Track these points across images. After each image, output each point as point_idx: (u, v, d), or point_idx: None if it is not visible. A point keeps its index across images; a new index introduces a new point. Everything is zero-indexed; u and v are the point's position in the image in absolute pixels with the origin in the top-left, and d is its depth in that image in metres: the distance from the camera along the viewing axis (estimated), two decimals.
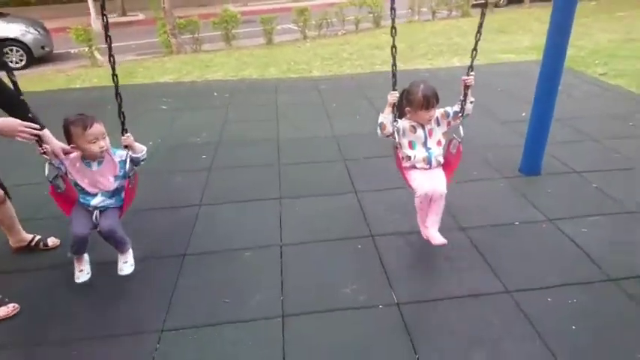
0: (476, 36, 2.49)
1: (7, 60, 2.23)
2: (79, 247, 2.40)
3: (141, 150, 2.44)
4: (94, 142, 2.26)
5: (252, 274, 2.58)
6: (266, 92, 6.21)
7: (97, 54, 9.26)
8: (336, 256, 2.71)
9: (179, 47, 9.77)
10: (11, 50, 9.48)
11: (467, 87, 2.52)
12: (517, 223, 2.96)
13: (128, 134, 2.36)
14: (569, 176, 3.53)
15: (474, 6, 13.41)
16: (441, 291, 2.40)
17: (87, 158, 2.34)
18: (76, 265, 2.50)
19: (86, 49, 9.13)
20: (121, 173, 2.40)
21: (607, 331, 2.10)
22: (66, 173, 2.36)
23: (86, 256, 2.55)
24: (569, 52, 3.25)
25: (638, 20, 10.18)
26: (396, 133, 2.52)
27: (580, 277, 2.45)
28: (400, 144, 2.57)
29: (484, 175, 3.60)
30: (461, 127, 2.60)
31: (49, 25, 10.81)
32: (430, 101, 2.44)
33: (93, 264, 2.64)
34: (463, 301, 2.32)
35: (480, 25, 2.47)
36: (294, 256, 2.73)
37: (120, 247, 2.51)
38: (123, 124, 2.34)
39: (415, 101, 2.45)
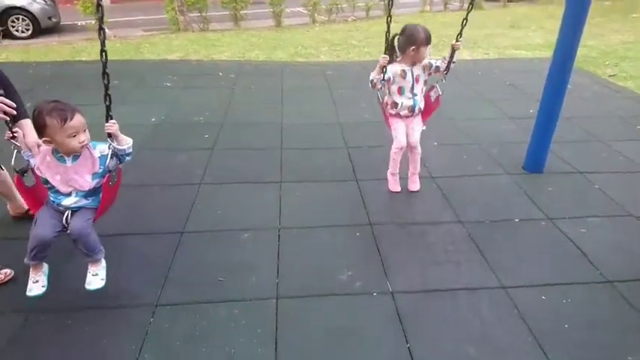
0: (468, 7, 2.85)
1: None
2: (39, 251, 2.02)
3: (126, 143, 2.08)
4: (74, 136, 1.93)
5: (249, 255, 2.58)
6: (272, 75, 6.16)
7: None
8: (334, 243, 2.71)
9: (186, 25, 9.67)
10: (17, 19, 9.40)
11: (454, 51, 2.90)
12: (517, 219, 2.95)
13: (113, 121, 2.03)
14: (572, 176, 3.51)
15: None
16: (436, 282, 2.40)
17: (60, 152, 2.00)
18: (31, 273, 2.09)
19: (93, 22, 9.04)
20: (101, 171, 2.06)
21: (600, 331, 2.11)
22: (34, 168, 2.04)
23: (45, 267, 2.14)
24: (580, 51, 3.21)
25: None
26: (385, 84, 2.90)
27: (576, 277, 2.45)
28: (389, 91, 2.97)
29: (487, 170, 3.58)
30: (443, 81, 3.03)
31: None
32: (430, 37, 2.81)
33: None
34: (458, 293, 2.33)
35: (470, 4, 2.85)
36: (292, 239, 2.73)
37: (91, 254, 2.10)
38: (108, 108, 2.04)
39: (419, 39, 2.77)
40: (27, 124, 2.19)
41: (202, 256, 2.57)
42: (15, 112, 2.06)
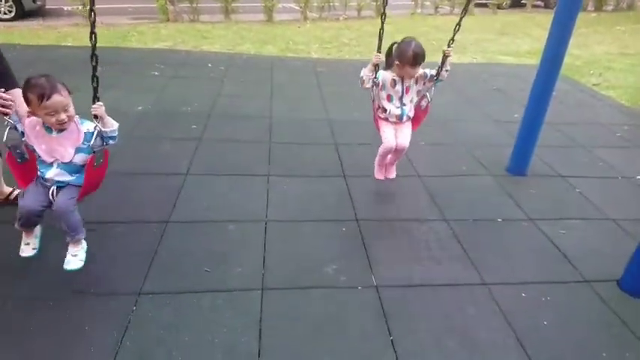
0: (461, 14, 2.81)
1: None
2: (26, 221, 2.12)
3: (111, 125, 2.09)
4: (52, 115, 1.94)
5: (235, 247, 2.57)
6: (262, 69, 6.13)
7: None
8: (320, 237, 2.72)
9: (176, 15, 9.55)
10: (0, 0, 9.12)
11: (446, 57, 2.81)
12: (499, 219, 3.01)
13: (100, 103, 2.05)
14: (554, 179, 3.60)
15: (478, 5, 13.41)
16: (419, 277, 2.44)
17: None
18: (23, 236, 2.21)
19: (80, 7, 8.84)
20: (85, 146, 2.07)
21: (577, 329, 2.17)
22: (24, 139, 2.07)
23: (37, 230, 2.26)
24: (566, 60, 3.29)
25: (636, 36, 10.32)
26: (374, 86, 2.85)
27: (556, 276, 2.51)
28: (379, 96, 2.91)
29: (472, 171, 3.64)
30: (433, 89, 2.93)
31: None
32: (418, 59, 2.70)
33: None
34: (440, 289, 2.36)
35: (464, 11, 2.81)
36: (279, 232, 2.73)
37: (72, 233, 2.13)
38: (95, 90, 2.06)
39: (405, 57, 2.69)
40: (18, 93, 2.12)
41: (187, 246, 2.55)
42: (11, 103, 2.04)
